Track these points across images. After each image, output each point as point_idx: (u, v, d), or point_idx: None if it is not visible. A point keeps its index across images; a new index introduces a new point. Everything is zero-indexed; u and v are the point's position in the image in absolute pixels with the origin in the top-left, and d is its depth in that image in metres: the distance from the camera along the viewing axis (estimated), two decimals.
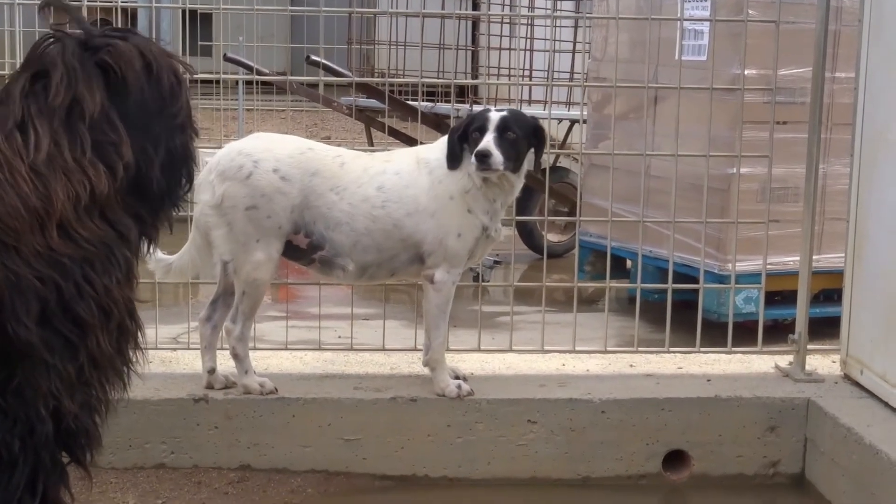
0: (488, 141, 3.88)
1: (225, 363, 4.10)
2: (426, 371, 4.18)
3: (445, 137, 4.08)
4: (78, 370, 2.75)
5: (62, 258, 2.67)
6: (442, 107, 7.18)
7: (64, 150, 2.72)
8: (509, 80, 7.70)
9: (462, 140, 3.97)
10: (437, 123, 6.92)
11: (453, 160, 3.96)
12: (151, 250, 3.05)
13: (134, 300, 2.92)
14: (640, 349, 4.63)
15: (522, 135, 3.96)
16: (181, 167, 2.94)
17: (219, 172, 3.93)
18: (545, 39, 7.45)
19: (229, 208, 3.92)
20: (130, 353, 2.94)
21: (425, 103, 7.01)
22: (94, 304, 2.74)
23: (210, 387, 4.08)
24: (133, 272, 2.91)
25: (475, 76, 8.92)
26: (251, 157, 3.94)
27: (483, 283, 5.30)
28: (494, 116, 3.95)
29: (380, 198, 3.97)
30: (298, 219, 3.95)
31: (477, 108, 7.30)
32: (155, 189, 2.87)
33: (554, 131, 6.73)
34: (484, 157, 3.86)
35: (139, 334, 2.95)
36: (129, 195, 2.82)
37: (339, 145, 4.69)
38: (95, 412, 2.88)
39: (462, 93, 7.61)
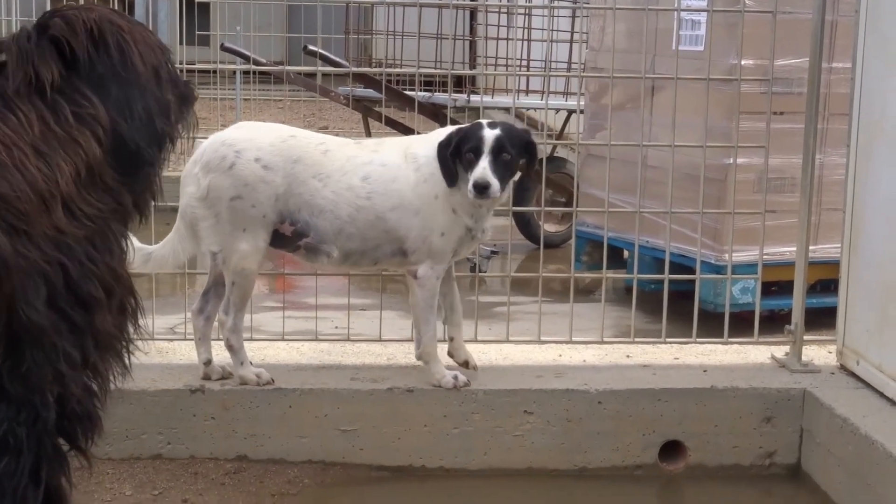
0: (485, 168, 3.81)
1: (222, 354, 4.10)
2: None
3: (436, 132, 4.05)
4: (83, 353, 2.76)
5: (67, 238, 2.68)
6: (439, 97, 7.17)
7: (50, 123, 2.75)
8: (507, 70, 7.68)
9: (454, 156, 3.89)
10: (434, 113, 6.92)
11: (450, 178, 3.89)
12: (143, 222, 3.06)
13: (131, 276, 2.95)
14: (636, 340, 4.63)
15: (516, 153, 3.90)
16: (147, 127, 2.92)
17: (203, 164, 3.93)
18: (543, 29, 7.44)
19: (215, 199, 3.92)
20: (130, 333, 2.95)
21: (423, 93, 7.01)
22: (99, 284, 2.76)
23: (207, 378, 4.08)
24: (127, 246, 2.93)
25: (473, 66, 8.92)
26: (233, 147, 3.93)
27: (480, 274, 5.29)
28: (489, 136, 3.86)
29: (365, 188, 3.94)
30: (283, 207, 3.94)
31: (472, 99, 7.31)
32: (132, 152, 2.88)
33: (551, 121, 6.73)
34: (483, 189, 3.80)
35: (138, 312, 2.96)
36: (114, 161, 2.83)
37: (336, 135, 4.68)
38: (97, 396, 2.89)
39: (459, 83, 7.60)
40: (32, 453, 2.76)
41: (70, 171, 2.73)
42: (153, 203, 3.09)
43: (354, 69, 6.48)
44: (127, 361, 2.98)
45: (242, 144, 3.94)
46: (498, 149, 3.85)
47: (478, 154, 3.85)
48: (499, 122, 3.99)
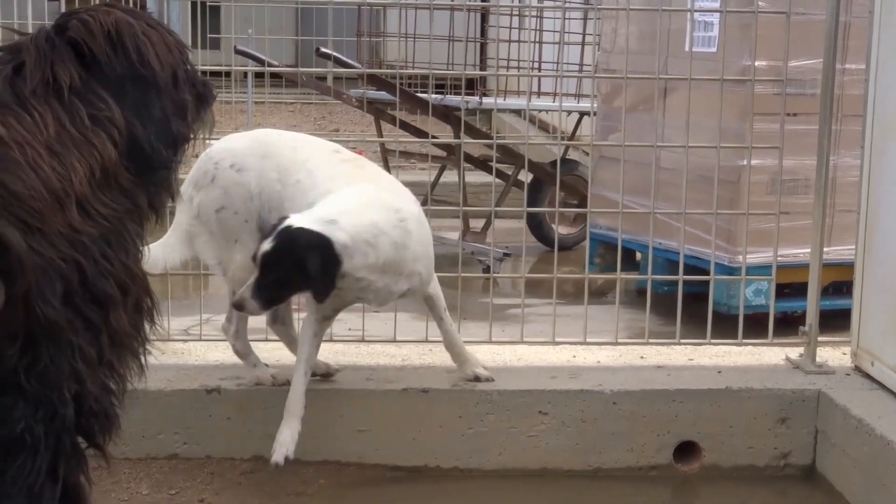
0: (248, 287, 3.58)
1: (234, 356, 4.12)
2: (438, 363, 4.20)
3: (388, 180, 3.95)
4: (99, 350, 2.77)
5: (82, 237, 2.70)
6: (451, 99, 7.17)
7: (66, 124, 2.76)
8: (518, 71, 7.68)
9: None
10: (445, 115, 6.91)
11: None
12: (158, 222, 3.07)
13: (147, 275, 2.96)
14: (650, 341, 4.63)
15: (290, 268, 3.55)
16: (163, 129, 2.94)
17: (193, 183, 3.95)
18: (555, 31, 7.44)
19: (204, 215, 3.94)
20: (146, 332, 2.96)
21: (435, 95, 7.02)
22: (114, 282, 2.77)
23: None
24: (143, 245, 2.95)
25: (483, 69, 8.92)
26: (213, 160, 3.94)
27: (493, 275, 5.30)
28: (259, 253, 3.57)
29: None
30: (259, 208, 3.90)
31: (484, 101, 7.31)
32: (147, 154, 2.89)
33: (563, 123, 6.72)
34: (237, 308, 3.68)
35: (154, 311, 2.98)
36: (129, 163, 2.85)
37: (348, 139, 4.68)
38: (114, 394, 2.90)
39: (471, 85, 7.60)
40: (50, 451, 2.77)
41: (84, 172, 2.74)
42: (169, 203, 3.11)
43: (369, 70, 6.49)
44: (143, 360, 2.99)
45: (220, 155, 3.94)
46: (264, 267, 3.56)
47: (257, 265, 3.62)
48: (291, 233, 3.56)
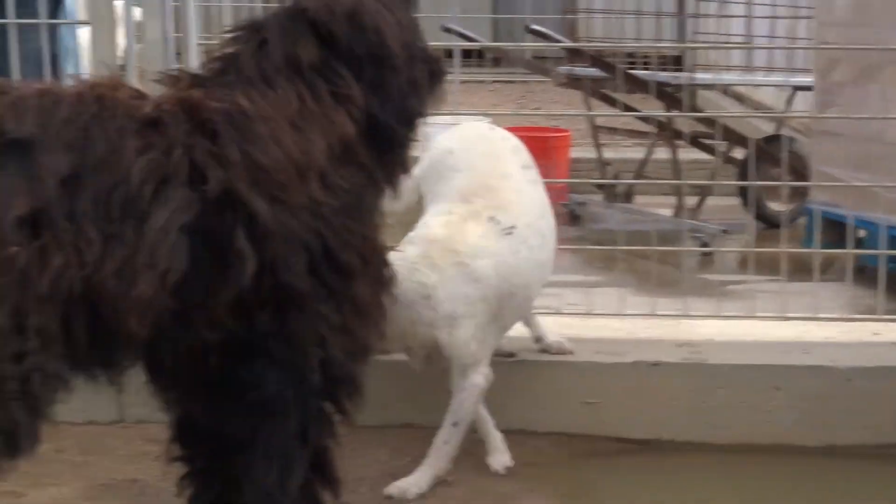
0: None
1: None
2: (665, 336, 4.20)
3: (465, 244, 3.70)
4: (342, 319, 2.86)
5: (324, 209, 2.79)
6: (660, 75, 7.09)
7: (308, 100, 2.86)
8: (727, 45, 7.55)
9: None
10: (658, 92, 6.82)
11: None
12: (396, 195, 3.15)
13: (385, 248, 3.04)
14: (884, 317, 4.51)
15: None
16: (400, 108, 3.01)
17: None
18: (764, 4, 7.30)
19: None
20: (385, 303, 3.04)
21: (645, 72, 6.96)
22: (355, 253, 2.86)
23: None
24: (380, 218, 3.04)
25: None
26: (422, 160, 3.97)
27: (716, 249, 5.22)
28: None
29: None
30: None
31: (699, 77, 7.23)
32: (384, 132, 2.97)
33: (774, 100, 6.59)
34: None
35: (391, 284, 3.06)
36: (367, 139, 2.93)
37: (552, 114, 4.69)
38: (358, 361, 2.99)
39: (676, 61, 7.51)
40: (299, 415, 2.89)
41: (325, 146, 2.83)
42: (403, 178, 3.18)
43: (587, 45, 6.47)
44: (383, 330, 3.08)
45: (423, 160, 3.97)
46: None
47: None
48: None
